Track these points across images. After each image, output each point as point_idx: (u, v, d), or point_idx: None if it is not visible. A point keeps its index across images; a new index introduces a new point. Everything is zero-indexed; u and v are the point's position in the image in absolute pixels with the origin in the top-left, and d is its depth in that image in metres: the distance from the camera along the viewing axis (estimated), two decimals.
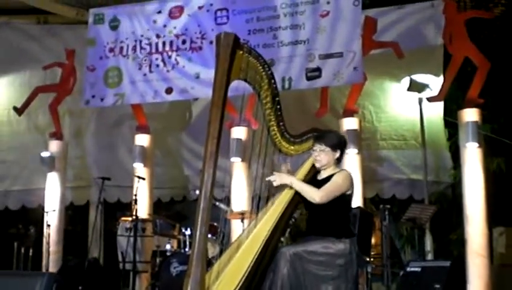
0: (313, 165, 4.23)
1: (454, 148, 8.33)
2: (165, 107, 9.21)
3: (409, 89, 8.24)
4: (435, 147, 8.55)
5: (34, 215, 8.90)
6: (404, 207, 7.63)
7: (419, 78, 8.25)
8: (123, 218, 7.53)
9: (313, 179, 4.19)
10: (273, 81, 4.06)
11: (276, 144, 4.19)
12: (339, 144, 4.14)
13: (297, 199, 4.08)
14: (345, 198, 4.04)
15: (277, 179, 4.03)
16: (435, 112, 8.45)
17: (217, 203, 5.79)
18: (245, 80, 3.97)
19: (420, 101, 8.26)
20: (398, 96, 8.71)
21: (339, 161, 4.17)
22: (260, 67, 3.98)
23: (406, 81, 8.33)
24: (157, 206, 8.76)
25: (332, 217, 4.01)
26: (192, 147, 9.35)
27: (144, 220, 7.46)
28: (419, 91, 8.24)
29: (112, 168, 8.95)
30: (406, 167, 8.73)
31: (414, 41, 8.17)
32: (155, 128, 8.68)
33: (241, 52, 3.82)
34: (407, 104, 8.61)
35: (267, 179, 4.04)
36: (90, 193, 9.43)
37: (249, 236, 3.93)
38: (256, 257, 3.72)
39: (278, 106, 4.12)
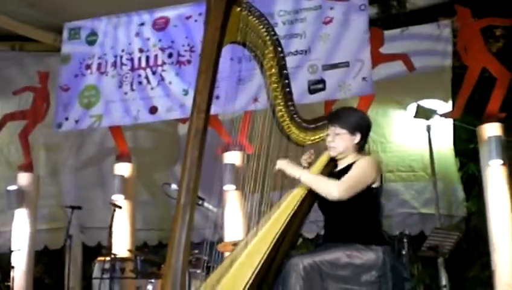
0: (332, 158, 3.37)
1: (466, 179, 7.76)
2: (151, 139, 8.43)
3: (416, 116, 7.51)
4: (445, 178, 7.79)
5: (2, 259, 7.93)
6: (415, 243, 6.80)
7: (427, 103, 7.54)
8: (99, 258, 6.53)
9: (331, 173, 3.31)
10: (279, 49, 3.23)
11: (283, 129, 3.30)
12: (358, 125, 3.26)
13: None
14: (371, 192, 3.15)
15: (280, 164, 3.20)
16: (444, 141, 7.76)
17: (206, 205, 4.57)
18: (243, 45, 3.15)
19: (429, 128, 7.53)
20: (405, 125, 7.99)
21: (361, 148, 3.29)
22: (263, 30, 3.17)
23: (412, 108, 7.62)
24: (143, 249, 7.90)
25: (357, 218, 3.13)
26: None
27: (123, 259, 6.46)
28: (427, 118, 7.51)
29: (91, 208, 8.03)
30: (415, 200, 7.95)
31: (420, 64, 7.46)
32: (140, 162, 7.83)
33: (238, 8, 3.04)
34: (414, 133, 7.88)
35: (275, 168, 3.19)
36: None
37: (252, 240, 3.03)
38: (260, 265, 2.84)
39: (286, 81, 3.27)
